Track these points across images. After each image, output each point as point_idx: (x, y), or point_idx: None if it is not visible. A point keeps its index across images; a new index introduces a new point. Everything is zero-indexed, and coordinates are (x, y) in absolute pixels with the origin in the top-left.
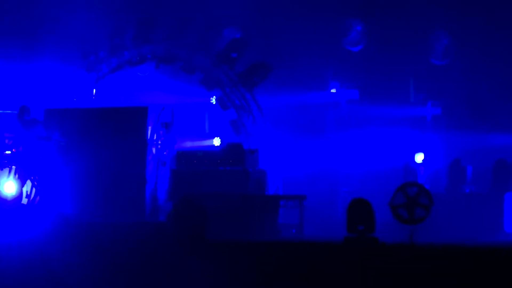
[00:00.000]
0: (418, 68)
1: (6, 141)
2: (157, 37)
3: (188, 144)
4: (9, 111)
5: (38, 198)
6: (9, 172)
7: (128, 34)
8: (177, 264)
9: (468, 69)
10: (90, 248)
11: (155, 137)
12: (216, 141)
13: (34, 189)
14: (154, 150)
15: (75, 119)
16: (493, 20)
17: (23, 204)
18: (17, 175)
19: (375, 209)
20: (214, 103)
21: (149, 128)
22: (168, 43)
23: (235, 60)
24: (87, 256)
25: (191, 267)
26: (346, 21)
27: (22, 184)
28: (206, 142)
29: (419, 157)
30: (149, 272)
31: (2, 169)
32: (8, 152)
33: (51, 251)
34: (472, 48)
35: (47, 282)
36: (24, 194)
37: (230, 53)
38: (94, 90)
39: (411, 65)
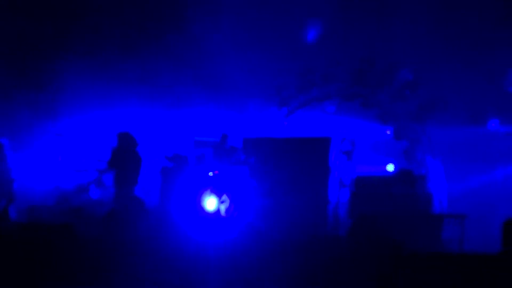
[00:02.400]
0: None
1: (210, 165)
2: (342, 77)
3: (367, 169)
4: (213, 139)
5: (233, 211)
6: (211, 190)
7: (318, 73)
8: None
9: None
10: (271, 255)
11: (337, 163)
12: (390, 167)
13: (230, 204)
14: (336, 173)
15: (268, 147)
16: None
17: (221, 216)
18: (216, 192)
19: None
20: (389, 134)
21: (332, 155)
22: (351, 83)
23: (408, 97)
24: (266, 260)
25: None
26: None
27: (221, 200)
28: (383, 168)
29: None
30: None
31: (206, 188)
32: (210, 173)
33: (238, 254)
34: None
35: (233, 281)
36: (223, 209)
37: (404, 92)
38: (286, 122)
39: None
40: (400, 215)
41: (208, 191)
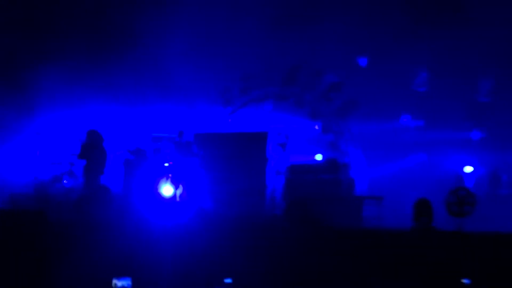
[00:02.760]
0: (468, 104)
1: (166, 157)
2: (277, 80)
3: (298, 158)
4: (167, 135)
5: (186, 196)
6: (167, 178)
7: (256, 77)
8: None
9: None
10: (220, 233)
11: (273, 154)
12: (318, 157)
13: (183, 191)
14: (272, 163)
15: (215, 141)
16: None
17: (176, 201)
18: (172, 181)
19: (434, 206)
20: (317, 128)
21: (269, 147)
22: (284, 85)
23: (333, 97)
24: (216, 237)
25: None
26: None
27: (176, 187)
28: (312, 157)
29: (468, 169)
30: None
31: (162, 177)
32: (166, 164)
33: (192, 234)
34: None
35: (188, 257)
36: (177, 194)
37: (329, 93)
38: (230, 119)
39: (464, 102)
40: (327, 198)
41: (165, 179)
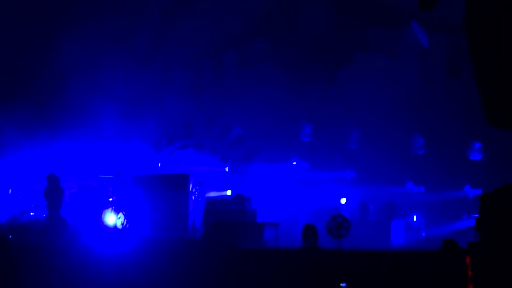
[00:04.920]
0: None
1: (110, 193)
2: (196, 132)
3: (213, 193)
4: (111, 176)
5: (127, 224)
6: (111, 210)
7: (179, 133)
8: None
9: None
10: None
11: (194, 190)
12: (229, 192)
13: (125, 219)
14: (193, 197)
15: (149, 180)
16: None
17: (118, 229)
18: (114, 211)
19: (318, 230)
20: (227, 170)
21: (190, 185)
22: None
23: (239, 146)
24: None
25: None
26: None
27: (118, 216)
28: (223, 193)
29: (343, 200)
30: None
31: (107, 208)
32: (110, 199)
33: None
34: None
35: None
36: (119, 223)
37: (236, 142)
38: (160, 164)
39: (339, 148)
40: (236, 224)
41: (109, 211)
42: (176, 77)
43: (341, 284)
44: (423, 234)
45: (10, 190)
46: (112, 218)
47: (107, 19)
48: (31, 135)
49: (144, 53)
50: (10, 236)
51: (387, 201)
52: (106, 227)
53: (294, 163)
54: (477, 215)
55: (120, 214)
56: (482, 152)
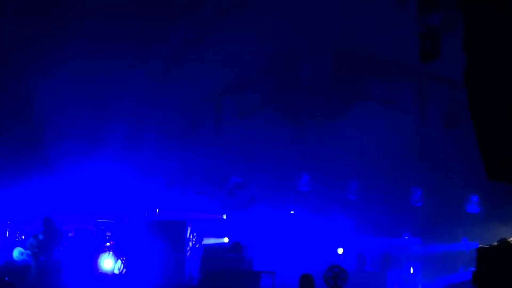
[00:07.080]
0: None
1: (107, 237)
2: (195, 179)
3: (211, 240)
4: (110, 220)
5: (124, 270)
6: (108, 254)
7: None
8: None
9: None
10: None
11: (191, 237)
12: (226, 239)
13: (122, 265)
14: (191, 244)
15: (148, 226)
16: None
17: (115, 274)
18: (112, 256)
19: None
20: (225, 217)
21: (188, 231)
22: (200, 183)
23: (237, 194)
24: None
25: None
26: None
27: (115, 261)
28: (221, 240)
29: (340, 250)
30: None
31: (104, 252)
32: (108, 244)
33: None
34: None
35: None
36: (116, 268)
37: (234, 190)
38: (157, 210)
39: (338, 199)
40: (233, 272)
41: (107, 254)
42: (174, 122)
43: None
44: (420, 286)
45: (7, 231)
46: (109, 263)
47: (107, 65)
48: (28, 173)
49: (142, 99)
50: (6, 278)
51: (384, 252)
52: (102, 272)
53: (292, 211)
54: (474, 269)
55: (118, 260)
56: (480, 206)
